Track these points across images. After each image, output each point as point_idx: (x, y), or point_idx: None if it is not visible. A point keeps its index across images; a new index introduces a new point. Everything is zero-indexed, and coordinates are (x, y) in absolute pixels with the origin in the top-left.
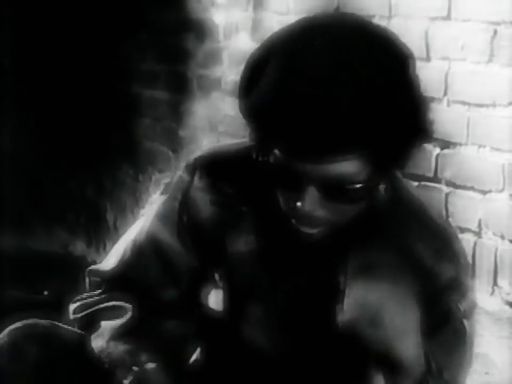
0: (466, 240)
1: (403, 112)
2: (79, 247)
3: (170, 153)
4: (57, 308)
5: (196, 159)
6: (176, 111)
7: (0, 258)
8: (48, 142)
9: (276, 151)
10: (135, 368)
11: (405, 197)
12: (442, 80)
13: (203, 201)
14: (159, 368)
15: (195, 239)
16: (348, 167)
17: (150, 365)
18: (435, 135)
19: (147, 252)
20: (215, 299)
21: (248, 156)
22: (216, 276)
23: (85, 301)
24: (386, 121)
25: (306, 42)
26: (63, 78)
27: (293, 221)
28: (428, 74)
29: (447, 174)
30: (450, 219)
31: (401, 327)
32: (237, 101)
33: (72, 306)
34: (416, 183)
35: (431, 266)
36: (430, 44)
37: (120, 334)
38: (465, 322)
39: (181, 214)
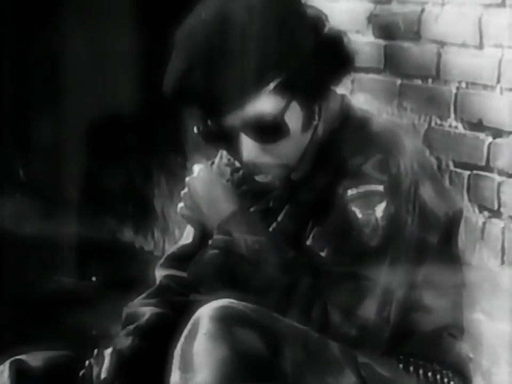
0: None
1: (288, 36)
2: (126, 234)
3: None
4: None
5: None
6: None
7: (50, 244)
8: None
9: (207, 120)
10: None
11: (350, 113)
12: (495, 68)
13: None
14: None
15: None
16: (264, 104)
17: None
18: (487, 124)
19: None
20: None
21: None
22: None
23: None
24: (275, 47)
25: (195, 17)
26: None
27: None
28: (481, 62)
29: (500, 163)
30: (502, 208)
31: None
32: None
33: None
34: (468, 172)
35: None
36: (483, 31)
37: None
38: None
39: None
